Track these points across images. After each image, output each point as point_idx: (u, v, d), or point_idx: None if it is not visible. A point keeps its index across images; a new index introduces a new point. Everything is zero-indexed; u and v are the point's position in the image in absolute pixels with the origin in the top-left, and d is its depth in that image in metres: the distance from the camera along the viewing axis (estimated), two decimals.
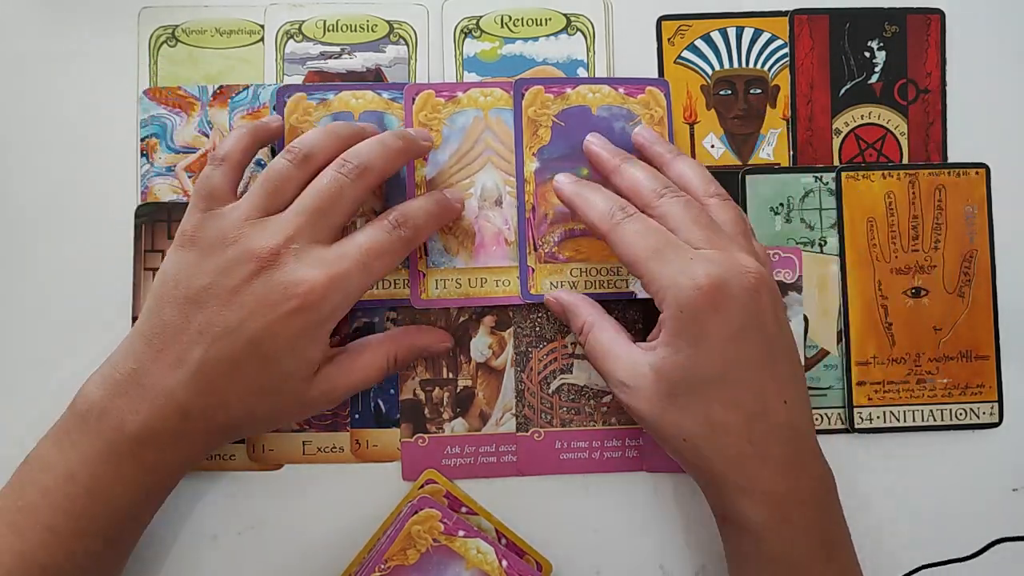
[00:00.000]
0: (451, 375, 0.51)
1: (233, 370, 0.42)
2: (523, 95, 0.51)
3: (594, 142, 0.49)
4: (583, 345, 0.47)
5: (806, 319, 0.51)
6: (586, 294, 0.50)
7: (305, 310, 0.42)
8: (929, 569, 0.51)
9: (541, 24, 0.52)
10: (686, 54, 0.53)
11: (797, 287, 0.51)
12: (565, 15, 0.53)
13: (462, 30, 0.52)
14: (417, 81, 0.52)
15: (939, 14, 0.53)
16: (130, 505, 0.42)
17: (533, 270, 0.50)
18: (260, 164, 0.51)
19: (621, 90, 0.51)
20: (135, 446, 0.41)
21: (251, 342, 0.41)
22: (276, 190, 0.44)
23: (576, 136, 0.51)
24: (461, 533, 0.47)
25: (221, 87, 0.51)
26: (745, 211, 0.52)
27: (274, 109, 0.51)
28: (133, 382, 0.42)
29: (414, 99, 0.51)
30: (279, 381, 0.43)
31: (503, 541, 0.49)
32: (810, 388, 0.51)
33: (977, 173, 0.52)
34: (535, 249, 0.50)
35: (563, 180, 0.48)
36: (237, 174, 0.46)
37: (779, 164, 0.53)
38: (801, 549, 0.42)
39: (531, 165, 0.50)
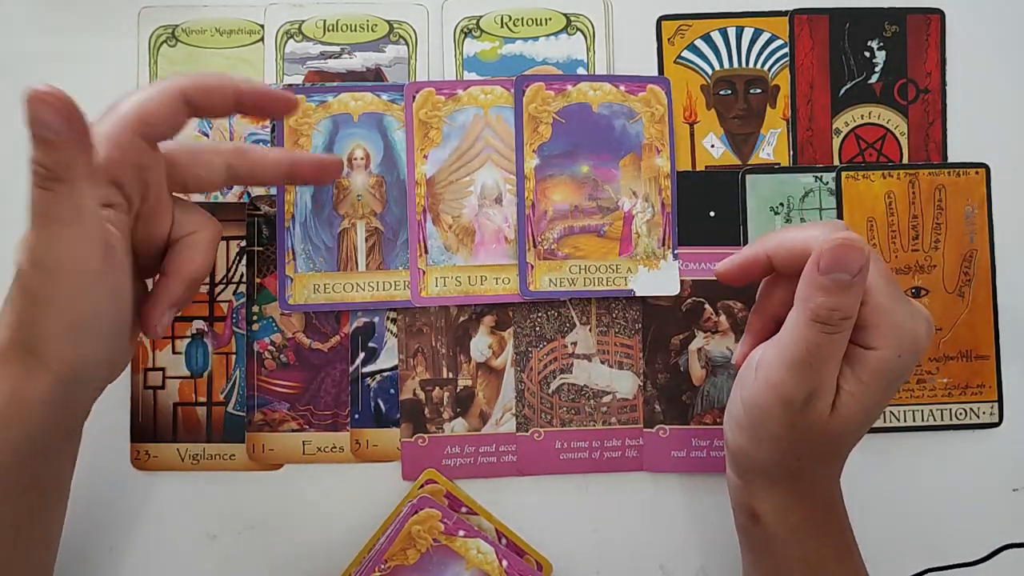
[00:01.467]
0: (451, 375, 0.51)
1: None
2: (524, 92, 0.51)
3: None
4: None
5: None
6: (585, 292, 0.50)
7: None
8: (934, 573, 0.51)
9: (541, 24, 0.53)
10: (686, 54, 0.53)
11: None
12: (565, 15, 0.53)
13: (462, 30, 0.52)
14: (417, 81, 0.52)
15: (939, 14, 0.53)
16: None
17: (532, 267, 0.50)
18: None
19: (622, 87, 0.51)
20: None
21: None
22: None
23: (577, 133, 0.51)
24: (461, 533, 0.47)
25: None
26: (745, 211, 0.52)
27: None
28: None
29: (414, 97, 0.51)
30: None
31: (503, 541, 0.49)
32: None
33: (977, 173, 0.52)
34: (534, 246, 0.50)
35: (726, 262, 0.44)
36: None
37: (779, 164, 0.53)
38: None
39: (531, 162, 0.50)
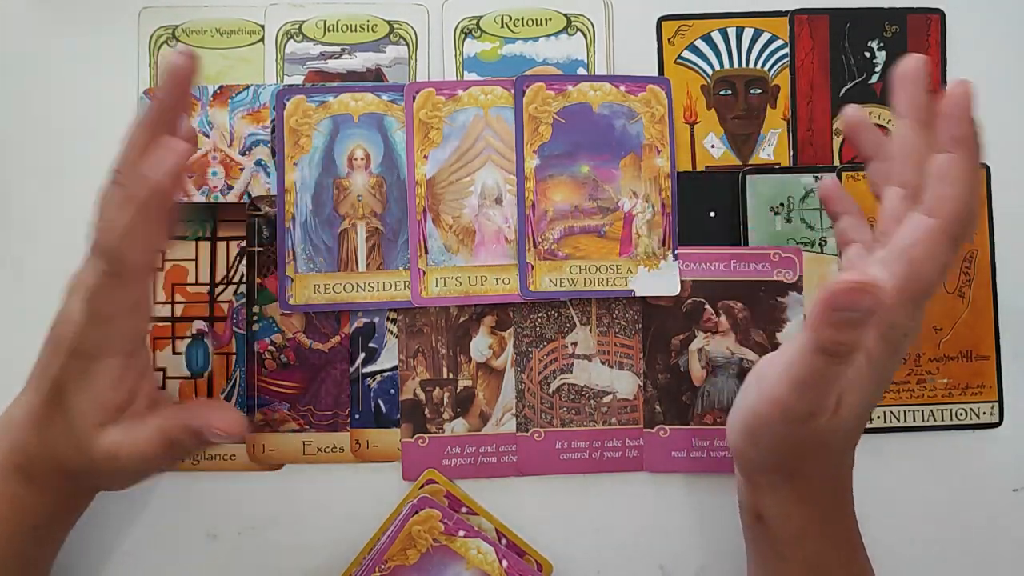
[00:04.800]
0: (451, 375, 0.51)
1: (36, 406, 0.41)
2: (524, 92, 0.51)
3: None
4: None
5: (806, 319, 0.51)
6: (585, 292, 0.50)
7: (54, 338, 0.41)
8: None
9: (541, 24, 0.53)
10: (686, 54, 0.53)
11: (797, 287, 0.51)
12: (565, 15, 0.53)
13: (462, 30, 0.52)
14: (417, 81, 0.52)
15: (939, 14, 0.53)
16: None
17: (532, 267, 0.50)
18: (260, 164, 0.51)
19: (622, 88, 0.51)
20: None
21: (39, 379, 0.41)
22: None
23: (577, 133, 0.51)
24: (461, 533, 0.47)
25: (221, 87, 0.51)
26: (745, 212, 0.52)
27: (274, 110, 0.51)
28: (8, 416, 0.43)
29: (414, 97, 0.51)
30: (70, 424, 0.41)
31: (503, 541, 0.49)
32: None
33: None
34: (534, 246, 0.50)
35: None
36: None
37: (779, 164, 0.53)
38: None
39: (531, 162, 0.50)
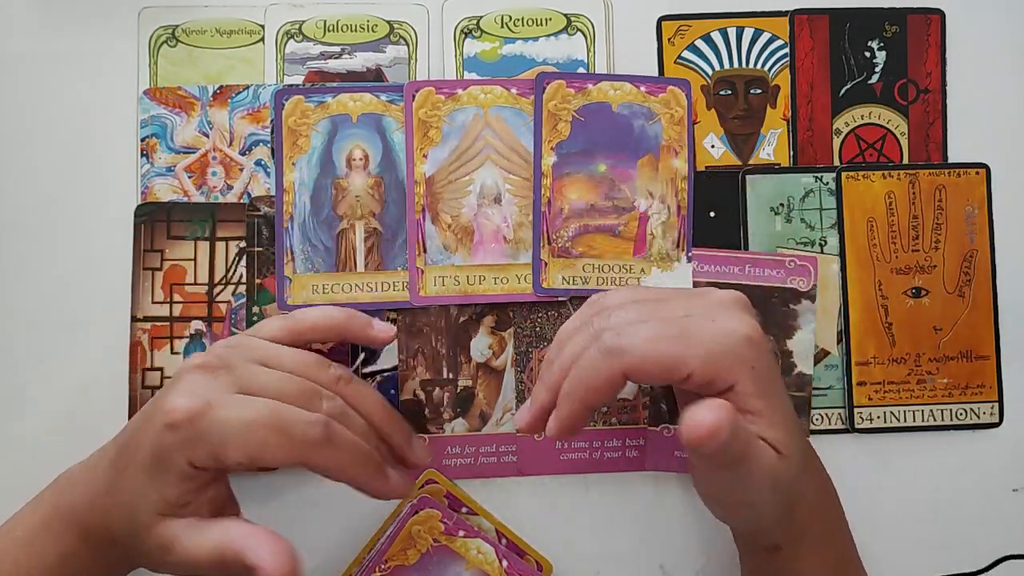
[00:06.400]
0: (451, 375, 0.51)
1: (104, 470, 0.41)
2: (544, 88, 0.51)
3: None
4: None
5: None
6: (598, 291, 0.50)
7: (172, 428, 0.38)
8: None
9: (541, 24, 0.53)
10: (686, 54, 0.53)
11: (811, 295, 0.51)
12: (565, 15, 0.53)
13: (462, 30, 0.52)
14: (417, 80, 0.52)
15: (939, 14, 0.53)
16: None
17: (546, 264, 0.50)
18: (261, 165, 0.51)
19: (642, 88, 0.51)
20: (63, 524, 0.42)
21: (122, 445, 0.41)
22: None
23: (595, 132, 0.51)
24: (461, 533, 0.47)
25: (221, 87, 0.51)
26: (745, 212, 0.52)
27: (273, 111, 0.51)
28: (87, 467, 0.43)
29: (414, 96, 0.51)
30: (131, 504, 0.40)
31: (503, 541, 0.49)
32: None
33: (977, 173, 0.52)
34: (549, 243, 0.50)
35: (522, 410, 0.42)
36: None
37: (779, 164, 0.53)
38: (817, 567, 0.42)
39: (549, 159, 0.50)
